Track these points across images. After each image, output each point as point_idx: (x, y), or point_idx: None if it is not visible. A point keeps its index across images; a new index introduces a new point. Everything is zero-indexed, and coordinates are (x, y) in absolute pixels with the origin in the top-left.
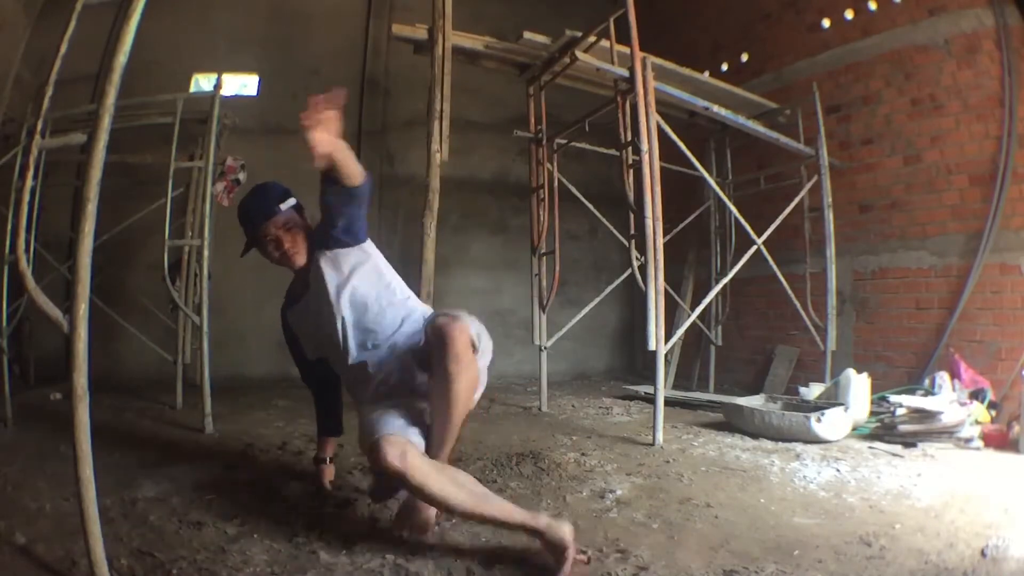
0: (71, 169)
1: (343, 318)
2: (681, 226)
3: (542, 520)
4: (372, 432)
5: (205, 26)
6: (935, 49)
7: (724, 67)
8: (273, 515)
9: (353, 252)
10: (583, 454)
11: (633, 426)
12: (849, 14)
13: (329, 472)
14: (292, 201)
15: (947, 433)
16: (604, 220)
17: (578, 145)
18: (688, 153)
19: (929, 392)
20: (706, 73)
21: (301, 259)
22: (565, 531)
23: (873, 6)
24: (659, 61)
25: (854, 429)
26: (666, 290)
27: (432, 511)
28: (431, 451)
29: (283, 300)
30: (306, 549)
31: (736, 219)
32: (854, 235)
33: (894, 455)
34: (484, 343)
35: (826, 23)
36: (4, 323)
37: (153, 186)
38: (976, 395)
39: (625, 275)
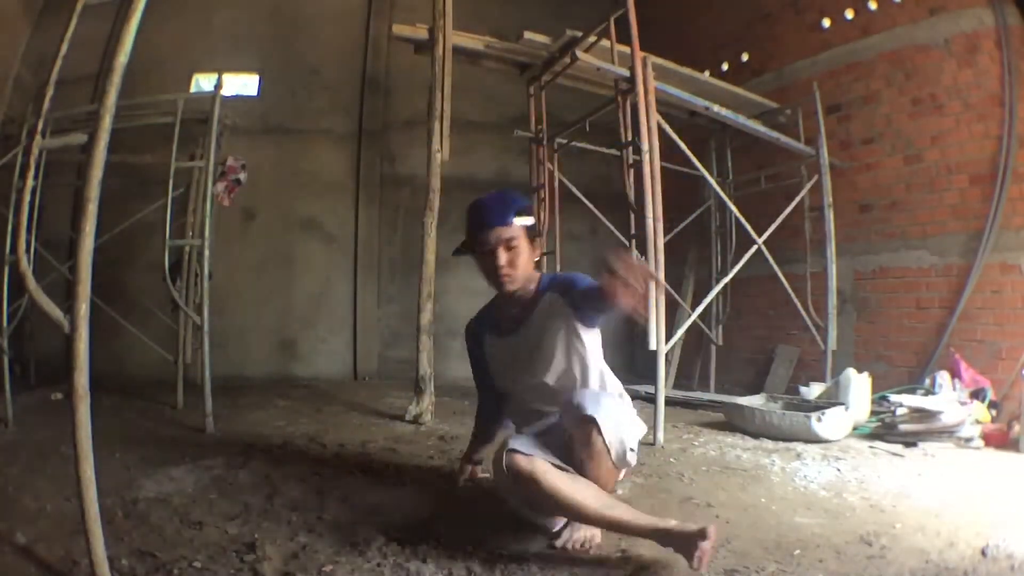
0: (71, 169)
1: (549, 377)
2: (681, 226)
3: (671, 522)
4: (505, 445)
5: (205, 26)
6: (935, 49)
7: (724, 67)
8: (274, 515)
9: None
10: None
11: None
12: (849, 14)
13: (475, 471)
14: (528, 220)
15: (947, 433)
16: (604, 220)
17: (578, 145)
18: (688, 153)
19: (929, 392)
20: (706, 73)
21: (512, 285)
22: (692, 527)
23: (873, 6)
24: (659, 61)
25: (855, 429)
26: (667, 290)
27: (594, 530)
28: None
29: (475, 316)
30: (308, 549)
31: (736, 219)
32: (854, 235)
33: (895, 455)
34: (629, 452)
35: (826, 23)
36: (5, 323)
37: (154, 186)
38: (976, 394)
39: None
